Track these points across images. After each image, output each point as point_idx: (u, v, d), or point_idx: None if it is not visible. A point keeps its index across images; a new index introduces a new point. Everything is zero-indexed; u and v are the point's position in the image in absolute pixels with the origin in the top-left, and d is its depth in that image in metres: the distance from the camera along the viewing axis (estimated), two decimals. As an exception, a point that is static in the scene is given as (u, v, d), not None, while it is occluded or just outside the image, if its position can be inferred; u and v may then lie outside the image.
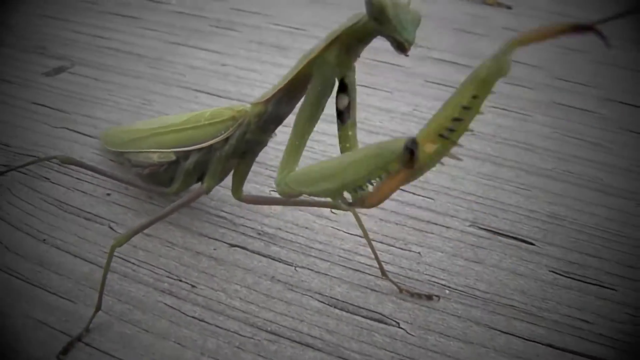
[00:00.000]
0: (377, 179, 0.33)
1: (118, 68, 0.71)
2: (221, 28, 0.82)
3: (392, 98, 0.68)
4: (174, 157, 0.49)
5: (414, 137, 0.31)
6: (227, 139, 0.45)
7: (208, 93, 0.67)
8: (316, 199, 0.52)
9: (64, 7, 0.87)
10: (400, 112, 0.65)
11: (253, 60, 0.74)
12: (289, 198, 0.39)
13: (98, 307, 0.41)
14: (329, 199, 0.36)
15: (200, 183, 0.49)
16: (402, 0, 0.35)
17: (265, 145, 0.46)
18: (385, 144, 0.33)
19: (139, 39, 0.78)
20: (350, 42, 0.37)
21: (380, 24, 0.35)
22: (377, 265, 0.45)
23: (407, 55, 0.35)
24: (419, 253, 0.47)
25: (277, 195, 0.49)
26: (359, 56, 0.38)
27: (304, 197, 0.51)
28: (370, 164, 0.33)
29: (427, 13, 0.90)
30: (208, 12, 0.87)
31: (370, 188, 0.34)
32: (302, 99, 0.39)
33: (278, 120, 0.43)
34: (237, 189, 0.47)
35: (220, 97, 0.66)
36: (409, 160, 0.31)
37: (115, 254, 0.43)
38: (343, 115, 0.39)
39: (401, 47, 0.35)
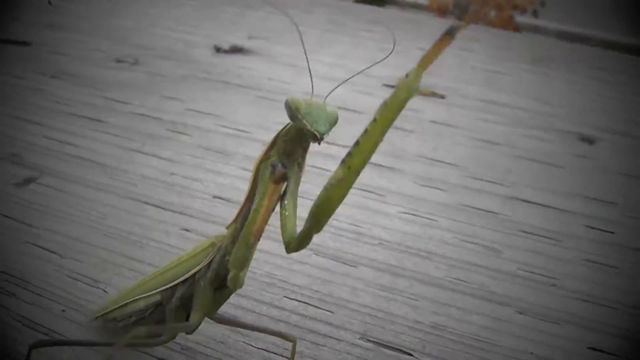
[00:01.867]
0: None
1: (81, 179, 0.81)
2: (174, 132, 0.92)
3: (316, 207, 0.78)
4: (159, 298, 0.51)
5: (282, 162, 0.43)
6: (209, 265, 0.49)
7: (155, 205, 0.77)
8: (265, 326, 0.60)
9: (37, 109, 0.98)
10: (319, 222, 0.75)
11: (198, 168, 0.84)
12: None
13: None
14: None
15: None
16: (317, 100, 0.42)
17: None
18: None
19: (102, 145, 0.89)
20: (285, 146, 0.44)
21: (297, 122, 0.41)
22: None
23: (319, 144, 0.42)
24: (310, 367, 0.57)
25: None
26: (302, 160, 0.45)
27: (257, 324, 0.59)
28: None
29: (361, 108, 1.01)
30: (165, 112, 0.97)
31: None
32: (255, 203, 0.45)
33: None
34: (212, 310, 0.50)
35: (165, 209, 0.76)
36: (276, 177, 0.42)
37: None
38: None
39: (314, 137, 0.41)
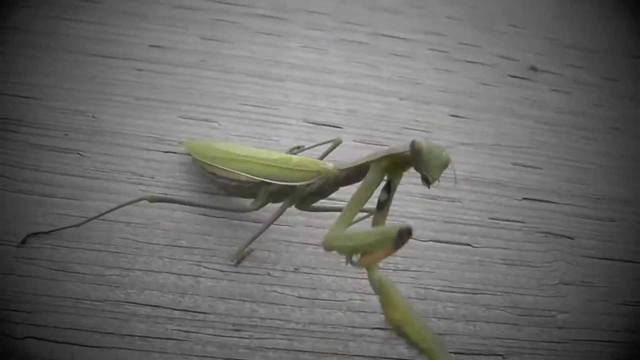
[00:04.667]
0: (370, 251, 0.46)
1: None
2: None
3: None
4: (259, 181, 0.60)
5: (408, 227, 0.43)
6: (308, 185, 0.58)
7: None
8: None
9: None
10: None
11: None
12: (328, 250, 0.51)
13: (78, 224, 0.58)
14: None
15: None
16: (438, 147, 0.46)
17: (332, 192, 0.60)
18: (388, 228, 0.45)
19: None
20: (392, 162, 0.49)
21: (416, 161, 0.46)
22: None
23: (430, 188, 0.47)
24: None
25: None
26: (404, 170, 0.50)
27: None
28: (374, 239, 0.46)
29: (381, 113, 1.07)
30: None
31: (358, 256, 0.47)
32: (359, 184, 0.52)
33: (345, 183, 0.57)
34: (306, 206, 0.62)
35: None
36: (399, 244, 0.44)
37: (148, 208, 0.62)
38: (380, 206, 0.51)
39: (426, 180, 0.46)
